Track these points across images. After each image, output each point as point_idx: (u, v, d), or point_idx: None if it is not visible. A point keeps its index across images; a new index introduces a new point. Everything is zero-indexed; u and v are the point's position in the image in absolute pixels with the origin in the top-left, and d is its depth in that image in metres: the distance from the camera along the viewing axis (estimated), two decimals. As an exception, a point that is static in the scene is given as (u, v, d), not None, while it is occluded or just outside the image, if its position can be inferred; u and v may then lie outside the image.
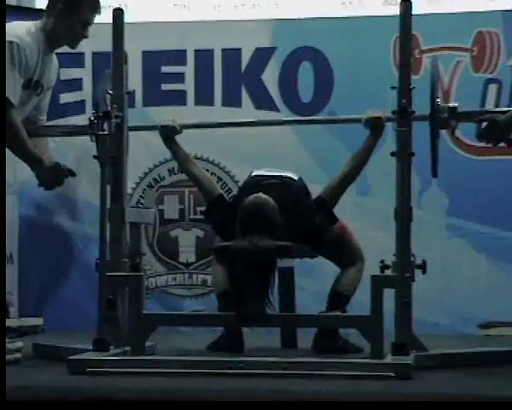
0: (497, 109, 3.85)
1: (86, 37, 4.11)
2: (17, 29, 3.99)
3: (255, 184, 4.13)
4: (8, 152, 3.95)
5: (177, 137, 4.25)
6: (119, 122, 3.95)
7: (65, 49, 4.20)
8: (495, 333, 5.08)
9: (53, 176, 4.01)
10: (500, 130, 3.70)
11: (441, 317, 5.07)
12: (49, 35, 4.05)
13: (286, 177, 4.20)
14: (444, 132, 4.79)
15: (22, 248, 5.28)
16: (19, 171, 4.79)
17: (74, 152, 5.21)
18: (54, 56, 4.17)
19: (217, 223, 4.18)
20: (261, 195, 3.93)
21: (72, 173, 4.07)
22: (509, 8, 5.23)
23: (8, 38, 3.90)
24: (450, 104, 3.91)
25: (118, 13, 4.04)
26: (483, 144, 5.03)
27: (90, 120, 3.87)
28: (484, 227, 5.17)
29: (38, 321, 5.26)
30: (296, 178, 4.23)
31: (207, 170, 5.35)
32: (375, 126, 4.06)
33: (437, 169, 3.84)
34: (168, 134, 4.24)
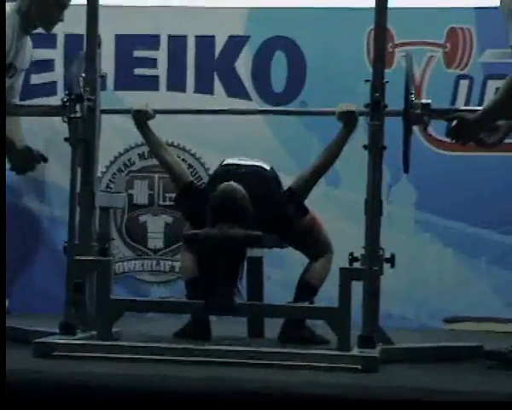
0: (469, 108, 3.85)
1: (61, 20, 4.09)
2: None
3: (226, 172, 4.11)
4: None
5: (150, 123, 4.23)
6: (92, 105, 3.93)
7: (37, 29, 4.17)
8: (460, 328, 5.11)
9: (24, 160, 3.99)
10: (469, 129, 3.73)
11: (408, 310, 5.10)
12: (23, 17, 4.02)
13: (257, 166, 4.19)
14: (415, 127, 4.82)
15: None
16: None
17: (44, 133, 5.17)
18: (28, 38, 4.14)
19: (187, 210, 4.17)
20: (232, 183, 3.92)
21: (43, 159, 4.05)
22: (481, 4, 5.24)
23: None
24: (424, 101, 3.91)
25: (92, -5, 4.02)
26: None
27: (63, 102, 3.84)
28: (451, 222, 5.20)
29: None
30: (268, 167, 4.22)
31: (178, 157, 5.35)
32: (348, 120, 4.05)
33: (408, 165, 3.84)
34: (141, 119, 4.22)
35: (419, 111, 3.83)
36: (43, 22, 4.07)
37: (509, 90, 3.61)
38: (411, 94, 3.82)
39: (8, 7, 4.02)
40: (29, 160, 3.99)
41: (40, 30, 4.13)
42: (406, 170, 3.85)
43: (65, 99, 3.83)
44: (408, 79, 3.83)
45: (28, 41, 4.15)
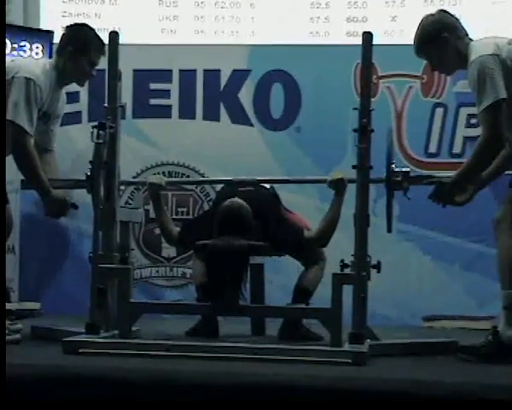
0: (445, 175, 3.85)
1: (93, 76, 4.08)
2: (34, 67, 3.99)
3: (231, 191, 4.10)
4: (10, 156, 3.91)
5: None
6: (113, 132, 3.92)
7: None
8: (437, 325, 5.09)
9: (58, 207, 4.00)
10: (446, 192, 3.76)
11: (391, 310, 5.07)
12: (59, 73, 4.03)
13: (259, 185, 4.18)
14: (396, 147, 4.82)
15: (23, 241, 5.22)
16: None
17: (71, 156, 5.17)
18: (63, 92, 4.15)
19: (192, 241, 4.02)
20: (237, 199, 3.91)
21: (74, 206, 4.06)
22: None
23: (26, 75, 3.89)
24: (404, 169, 3.88)
25: (113, 35, 4.02)
26: (430, 160, 5.15)
27: (87, 176, 3.90)
28: (430, 232, 5.19)
29: (36, 305, 5.20)
30: (267, 186, 4.22)
31: (188, 176, 5.34)
32: (338, 187, 3.99)
33: (391, 225, 3.79)
34: (155, 190, 4.16)
35: (399, 178, 3.81)
36: (76, 78, 4.08)
37: (478, 156, 3.62)
38: (392, 164, 3.80)
39: (47, 64, 4.06)
40: (62, 207, 4.01)
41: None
42: (389, 229, 3.79)
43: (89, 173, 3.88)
44: (389, 151, 3.81)
45: (62, 93, 4.16)
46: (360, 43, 3.80)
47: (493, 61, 3.57)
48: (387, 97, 5.26)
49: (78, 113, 5.41)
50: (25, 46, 5.12)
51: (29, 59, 4.02)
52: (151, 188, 4.18)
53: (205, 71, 5.41)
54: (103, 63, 4.06)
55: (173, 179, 4.32)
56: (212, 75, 5.40)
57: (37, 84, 3.92)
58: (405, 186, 3.85)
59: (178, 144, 5.35)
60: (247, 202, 3.89)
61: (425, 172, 5.04)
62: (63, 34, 4.12)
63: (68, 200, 4.03)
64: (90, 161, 3.84)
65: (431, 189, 5.08)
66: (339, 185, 3.98)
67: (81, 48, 4.02)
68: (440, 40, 3.72)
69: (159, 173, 5.32)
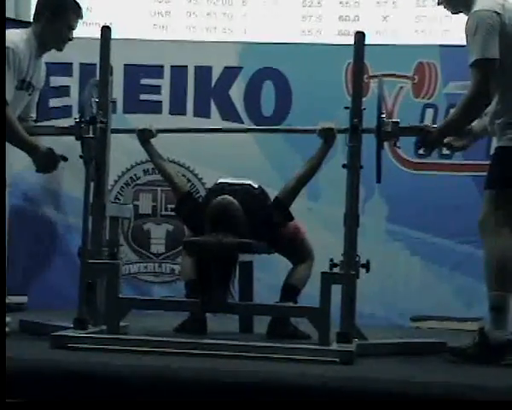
0: (433, 126, 3.91)
1: (71, 39, 4.08)
2: (12, 36, 3.97)
3: (221, 189, 4.11)
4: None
5: (155, 143, 4.23)
6: (104, 127, 3.92)
7: (56, 59, 4.14)
8: (425, 326, 5.11)
9: (47, 160, 3.98)
10: (432, 140, 3.78)
11: (378, 310, 5.08)
12: (38, 40, 4.01)
13: (247, 184, 4.20)
14: (386, 149, 4.83)
15: (11, 234, 5.19)
16: (9, 165, 4.72)
17: (60, 150, 5.13)
18: (42, 61, 4.14)
19: (185, 216, 4.18)
20: (227, 197, 3.92)
21: (64, 158, 4.03)
22: (445, 43, 5.26)
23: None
24: (393, 120, 3.91)
25: (106, 30, 4.02)
26: (420, 160, 5.16)
27: (76, 122, 3.84)
28: (418, 233, 5.19)
29: (23, 299, 5.18)
30: (256, 185, 4.23)
31: (178, 171, 5.33)
32: (328, 136, 4.05)
33: (380, 175, 3.81)
34: (145, 137, 4.21)
35: (389, 129, 3.83)
36: (55, 43, 4.07)
37: (464, 109, 3.65)
38: (382, 114, 3.81)
39: (26, 33, 4.03)
40: (51, 160, 3.99)
41: (56, 59, 4.11)
42: (379, 180, 3.79)
43: (78, 119, 3.83)
44: (380, 101, 3.83)
45: (42, 64, 4.15)
46: (352, 42, 3.82)
47: (494, 19, 3.55)
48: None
49: (69, 107, 5.39)
50: (15, 39, 5.10)
51: (10, 30, 3.99)
52: (140, 135, 4.18)
53: (196, 67, 5.40)
54: (95, 58, 4.05)
55: (164, 128, 4.32)
56: (203, 72, 5.39)
57: (16, 53, 3.91)
58: (395, 137, 3.87)
59: (168, 140, 5.34)
60: (237, 200, 3.89)
61: (416, 172, 5.20)
62: (38, 0, 4.11)
63: (58, 154, 4.00)
64: (80, 156, 3.84)
65: (422, 188, 5.16)
66: (328, 134, 4.01)
67: (58, 12, 4.02)
68: None
69: (148, 169, 5.35)
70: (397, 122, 3.86)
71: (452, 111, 3.85)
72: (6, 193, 3.99)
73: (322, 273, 3.63)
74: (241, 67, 5.39)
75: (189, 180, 5.31)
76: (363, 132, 3.74)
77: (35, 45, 4.01)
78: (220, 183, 4.20)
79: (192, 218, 4.07)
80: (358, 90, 3.78)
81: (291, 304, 4.04)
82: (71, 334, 3.59)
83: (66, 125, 4.08)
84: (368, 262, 3.70)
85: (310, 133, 4.19)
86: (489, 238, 3.62)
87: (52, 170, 4.06)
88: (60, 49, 4.13)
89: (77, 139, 3.87)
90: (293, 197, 4.07)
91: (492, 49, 3.55)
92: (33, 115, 4.21)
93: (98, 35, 4.02)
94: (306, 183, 4.10)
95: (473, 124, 3.84)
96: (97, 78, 4.05)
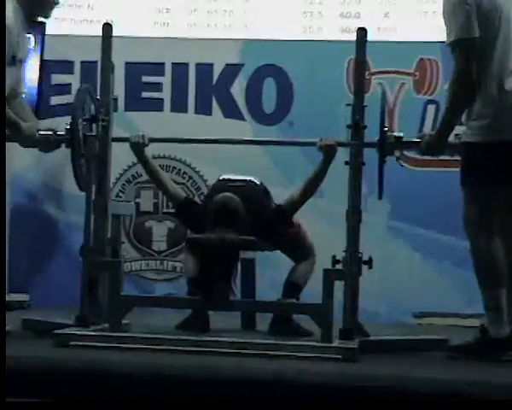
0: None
1: (57, 3, 3.99)
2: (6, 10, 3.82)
3: (223, 185, 4.11)
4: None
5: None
6: (106, 125, 3.92)
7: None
8: (427, 322, 5.11)
9: (31, 141, 3.92)
10: (435, 142, 3.76)
11: (381, 307, 5.08)
12: (25, 9, 3.92)
13: (249, 181, 4.20)
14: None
15: (13, 232, 5.21)
16: (12, 163, 4.73)
17: (60, 150, 5.13)
18: (26, 35, 4.05)
19: (186, 221, 4.19)
20: (229, 194, 3.93)
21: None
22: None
23: None
24: (396, 134, 3.85)
25: (107, 27, 4.01)
26: (421, 157, 5.15)
27: (66, 129, 3.83)
28: (420, 230, 5.19)
29: (25, 297, 5.19)
30: (258, 182, 4.23)
31: (180, 169, 5.35)
32: (328, 152, 3.98)
33: (382, 191, 3.78)
34: (138, 148, 4.14)
35: (392, 142, 3.80)
36: (42, 9, 3.98)
37: (453, 93, 3.63)
38: (385, 128, 3.78)
39: (11, 4, 3.88)
40: (35, 141, 3.91)
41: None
42: (380, 196, 3.77)
43: (68, 127, 3.82)
44: (382, 115, 3.78)
45: (26, 36, 4.07)
46: (353, 38, 3.81)
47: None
48: (379, 94, 5.26)
49: (70, 104, 5.37)
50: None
51: None
52: (133, 147, 4.14)
53: (197, 65, 5.40)
54: (96, 55, 4.04)
55: (156, 138, 4.27)
56: (204, 69, 5.39)
57: (9, 30, 3.76)
58: (397, 153, 3.84)
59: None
60: (239, 197, 3.90)
61: (418, 169, 5.19)
62: None
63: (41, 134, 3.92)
64: (82, 154, 3.84)
65: (423, 185, 5.16)
66: (328, 150, 3.95)
67: None
68: None
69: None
70: (400, 137, 3.82)
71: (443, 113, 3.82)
72: (6, 190, 3.95)
73: (325, 270, 3.64)
74: (242, 64, 5.38)
75: (190, 178, 5.31)
76: (365, 146, 3.72)
77: (21, 17, 3.91)
78: (222, 179, 4.20)
79: (193, 221, 4.07)
80: (360, 86, 3.78)
81: (293, 301, 4.04)
82: (73, 332, 3.60)
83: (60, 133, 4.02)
84: (370, 259, 3.70)
85: (310, 145, 4.10)
86: (477, 239, 3.64)
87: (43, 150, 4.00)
88: (47, 17, 4.05)
89: (66, 147, 3.84)
90: (296, 209, 4.08)
91: (472, 28, 3.53)
92: (23, 90, 4.13)
93: (99, 33, 4.02)
94: (310, 196, 4.09)
95: None
96: (97, 78, 4.03)
